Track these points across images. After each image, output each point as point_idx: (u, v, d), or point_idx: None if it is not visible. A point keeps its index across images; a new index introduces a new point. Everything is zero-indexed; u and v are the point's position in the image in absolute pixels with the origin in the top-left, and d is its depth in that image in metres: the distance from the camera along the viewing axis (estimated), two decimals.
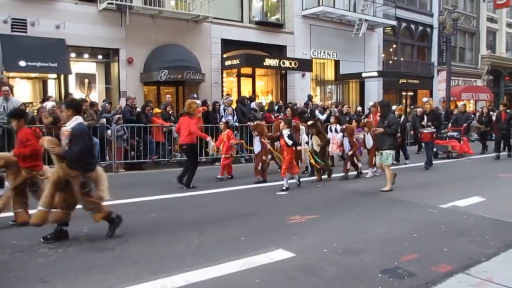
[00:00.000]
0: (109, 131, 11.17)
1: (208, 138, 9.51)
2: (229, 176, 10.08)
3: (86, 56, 15.05)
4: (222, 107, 13.45)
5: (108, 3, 14.14)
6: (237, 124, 13.13)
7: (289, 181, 8.72)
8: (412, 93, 27.32)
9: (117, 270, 4.18)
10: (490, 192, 8.24)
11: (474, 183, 9.41)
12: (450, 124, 16.15)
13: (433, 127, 12.34)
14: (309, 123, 9.90)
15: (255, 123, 10.23)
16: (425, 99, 13.23)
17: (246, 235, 5.37)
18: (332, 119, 11.21)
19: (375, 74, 21.79)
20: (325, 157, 9.88)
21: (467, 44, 30.75)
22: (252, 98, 15.33)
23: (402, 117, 12.67)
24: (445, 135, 14.83)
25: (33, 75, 13.97)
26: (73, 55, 14.45)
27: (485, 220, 6.17)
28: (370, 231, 5.58)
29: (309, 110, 15.27)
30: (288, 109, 12.76)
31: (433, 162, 12.28)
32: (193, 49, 16.43)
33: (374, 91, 23.00)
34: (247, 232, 5.54)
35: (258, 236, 5.37)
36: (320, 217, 6.35)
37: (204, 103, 13.86)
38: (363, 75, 21.79)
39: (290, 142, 8.57)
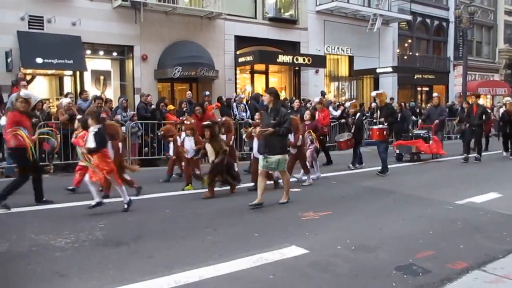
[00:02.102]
0: (123, 128, 11.26)
1: None
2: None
3: (101, 53, 15.21)
4: (235, 104, 13.49)
5: (122, 0, 14.26)
6: (250, 121, 13.13)
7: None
8: (427, 89, 27.01)
9: (132, 265, 4.22)
10: (507, 188, 8.11)
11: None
12: (421, 120, 14.43)
13: (386, 123, 10.21)
14: (204, 123, 7.97)
15: (223, 118, 8.76)
16: (373, 93, 10.93)
17: (259, 232, 5.37)
18: (256, 116, 9.46)
19: (390, 69, 21.59)
20: (220, 167, 7.69)
21: (484, 38, 30.26)
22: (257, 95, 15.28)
23: (358, 114, 11.10)
24: (410, 134, 13.09)
25: (49, 72, 14.16)
26: (88, 52, 14.62)
27: (502, 217, 6.08)
28: (384, 228, 5.54)
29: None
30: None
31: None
32: (206, 46, 16.47)
33: (389, 87, 22.77)
34: (260, 228, 5.54)
35: (271, 232, 5.37)
36: (333, 213, 6.33)
37: (219, 99, 13.94)
38: (378, 70, 21.61)
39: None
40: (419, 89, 26.61)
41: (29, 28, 13.15)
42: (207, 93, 13.41)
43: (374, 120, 10.89)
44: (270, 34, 18.54)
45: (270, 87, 7.79)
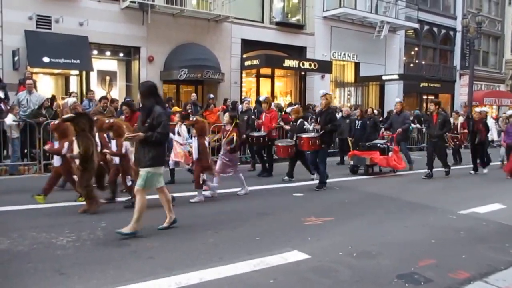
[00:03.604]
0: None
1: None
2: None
3: (107, 53, 15.27)
4: (240, 107, 13.49)
5: (130, 2, 14.33)
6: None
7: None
8: (433, 97, 26.92)
9: (132, 265, 4.22)
10: (511, 199, 8.06)
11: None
12: (383, 129, 12.80)
13: (321, 131, 8.69)
14: (64, 117, 6.89)
15: (194, 118, 7.76)
16: (321, 92, 9.30)
17: (261, 235, 5.35)
18: (176, 117, 8.91)
19: (396, 77, 21.57)
20: (88, 176, 6.33)
21: (491, 48, 30.19)
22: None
23: (299, 121, 9.69)
24: (367, 144, 11.46)
25: (56, 71, 14.23)
26: (95, 52, 14.69)
27: (505, 228, 6.05)
28: (387, 235, 5.51)
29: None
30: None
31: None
32: (213, 49, 16.51)
33: (395, 94, 22.74)
34: (262, 232, 5.52)
35: (273, 236, 5.35)
36: (336, 219, 6.31)
37: (225, 101, 14.00)
38: (384, 77, 21.59)
39: None
40: (424, 97, 26.55)
41: (37, 27, 13.24)
42: (211, 95, 13.43)
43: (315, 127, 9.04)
44: (276, 39, 18.57)
45: (144, 81, 6.24)
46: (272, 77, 19.60)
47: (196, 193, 7.35)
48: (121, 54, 15.61)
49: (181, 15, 15.72)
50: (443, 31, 26.53)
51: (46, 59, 12.71)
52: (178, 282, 3.82)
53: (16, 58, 12.85)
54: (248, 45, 17.84)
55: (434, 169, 10.66)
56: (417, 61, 25.44)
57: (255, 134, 10.27)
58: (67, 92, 13.46)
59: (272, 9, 18.65)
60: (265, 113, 10.62)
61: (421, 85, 24.56)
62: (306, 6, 19.62)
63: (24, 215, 5.96)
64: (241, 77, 17.99)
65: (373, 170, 11.09)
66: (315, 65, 18.06)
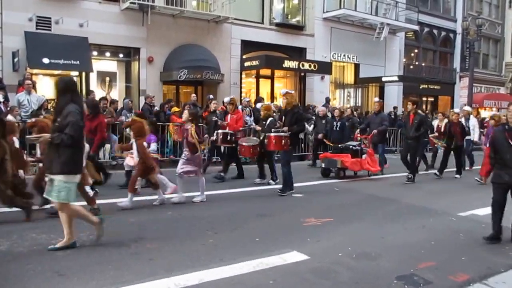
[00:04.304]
0: (127, 129, 11.26)
1: None
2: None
3: (107, 54, 15.28)
4: (240, 107, 13.49)
5: (130, 3, 14.32)
6: (254, 124, 13.12)
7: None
8: (432, 99, 27.00)
9: (132, 266, 4.21)
10: (510, 203, 8.04)
11: None
12: (358, 130, 12.01)
13: (288, 131, 8.18)
14: None
15: (130, 118, 7.22)
16: (282, 91, 8.82)
17: (261, 236, 5.35)
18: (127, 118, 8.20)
19: (396, 78, 21.59)
20: (5, 177, 5.57)
21: (491, 51, 30.22)
22: (260, 99, 15.32)
23: (269, 119, 9.30)
24: (340, 146, 10.98)
25: (56, 72, 14.20)
26: (95, 53, 14.69)
27: (505, 230, 6.03)
28: (386, 237, 5.52)
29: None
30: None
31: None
32: (213, 50, 16.52)
33: (394, 96, 22.80)
34: (262, 233, 5.52)
35: (272, 237, 5.35)
36: (336, 220, 6.31)
37: (223, 103, 13.97)
38: (383, 79, 21.63)
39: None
40: (424, 99, 26.57)
41: (37, 29, 13.23)
42: (211, 96, 13.43)
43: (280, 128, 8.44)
44: (276, 40, 18.58)
45: (62, 77, 5.65)
46: (272, 78, 19.61)
47: (197, 193, 7.36)
48: (121, 55, 15.61)
49: (181, 16, 15.73)
50: (443, 33, 26.56)
51: (46, 60, 12.69)
52: (178, 283, 3.82)
53: (16, 59, 12.84)
54: (248, 46, 17.85)
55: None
56: (417, 63, 25.45)
57: (221, 131, 9.65)
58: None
59: (272, 10, 18.66)
60: (230, 114, 10.08)
61: (421, 87, 24.59)
62: (306, 7, 19.63)
63: (24, 216, 5.93)
64: (241, 78, 18.00)
65: (344, 174, 10.52)
66: (315, 66, 18.08)
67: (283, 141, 8.10)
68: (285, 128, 8.22)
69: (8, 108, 10.09)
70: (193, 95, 14.56)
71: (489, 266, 4.50)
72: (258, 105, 11.89)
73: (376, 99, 13.24)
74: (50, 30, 13.44)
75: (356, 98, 22.75)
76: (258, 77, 19.17)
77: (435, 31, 26.08)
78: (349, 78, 22.20)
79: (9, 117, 9.33)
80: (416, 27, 23.36)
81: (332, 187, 9.32)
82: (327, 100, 17.84)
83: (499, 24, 30.19)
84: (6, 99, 10.64)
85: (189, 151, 7.23)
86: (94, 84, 14.82)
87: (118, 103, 12.46)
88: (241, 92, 17.69)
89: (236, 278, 4.01)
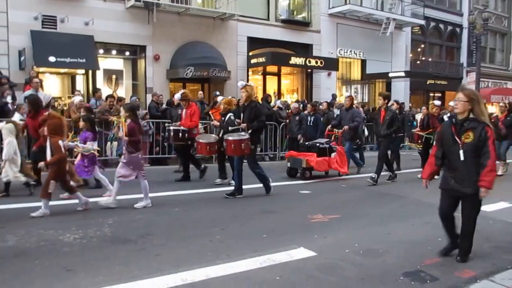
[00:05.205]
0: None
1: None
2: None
3: (113, 52, 15.33)
4: None
5: (135, 1, 14.37)
6: None
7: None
8: (440, 94, 26.80)
9: (139, 262, 4.23)
10: None
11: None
12: (329, 126, 11.09)
13: (247, 129, 7.55)
14: None
15: (47, 113, 6.56)
16: (239, 84, 8.03)
17: (268, 233, 5.36)
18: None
19: (402, 74, 21.51)
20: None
21: (498, 45, 29.96)
22: (266, 96, 15.28)
23: (229, 115, 8.50)
24: (307, 144, 10.18)
25: (62, 70, 14.30)
26: (101, 51, 14.74)
27: (511, 226, 6.01)
28: (393, 233, 5.50)
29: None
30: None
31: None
32: (219, 47, 16.52)
33: (401, 91, 22.67)
34: (269, 229, 5.52)
35: (279, 233, 5.35)
36: (342, 217, 6.30)
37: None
38: (390, 75, 21.53)
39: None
40: (431, 94, 26.41)
41: (43, 27, 13.30)
42: (217, 93, 13.45)
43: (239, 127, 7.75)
44: (282, 36, 18.55)
45: None
46: (278, 74, 19.61)
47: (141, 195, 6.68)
48: (127, 53, 15.66)
49: (186, 13, 15.73)
50: (449, 27, 26.37)
51: (52, 59, 12.77)
52: (184, 279, 3.83)
53: (22, 58, 12.93)
54: (254, 43, 17.84)
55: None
56: (423, 58, 25.31)
57: (172, 127, 8.97)
58: (74, 91, 13.52)
59: (277, 7, 18.62)
60: (184, 109, 9.21)
61: (427, 83, 24.46)
62: (312, 4, 19.57)
63: (31, 212, 5.98)
64: (248, 75, 17.99)
65: (311, 174, 9.56)
66: (321, 63, 18.03)
67: (242, 144, 7.32)
68: (244, 125, 7.58)
69: (15, 106, 10.14)
70: (200, 92, 14.60)
71: (495, 263, 4.46)
72: (219, 99, 10.68)
73: (347, 93, 12.62)
74: (55, 28, 13.50)
75: (363, 94, 22.68)
76: (264, 74, 19.18)
77: (441, 26, 25.90)
78: (356, 74, 22.14)
79: (16, 115, 9.38)
80: (422, 22, 23.23)
81: (339, 185, 9.30)
82: (334, 97, 17.80)
83: (505, 18, 29.90)
84: (14, 98, 10.71)
85: (127, 152, 6.52)
86: (100, 82, 14.88)
87: (125, 101, 12.46)
88: None
89: (243, 274, 4.02)
